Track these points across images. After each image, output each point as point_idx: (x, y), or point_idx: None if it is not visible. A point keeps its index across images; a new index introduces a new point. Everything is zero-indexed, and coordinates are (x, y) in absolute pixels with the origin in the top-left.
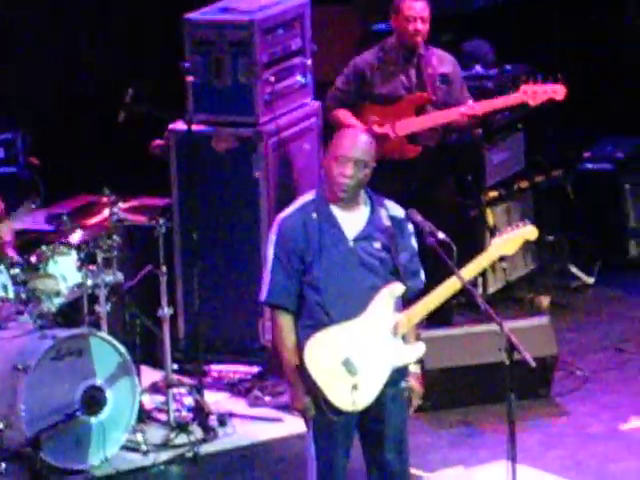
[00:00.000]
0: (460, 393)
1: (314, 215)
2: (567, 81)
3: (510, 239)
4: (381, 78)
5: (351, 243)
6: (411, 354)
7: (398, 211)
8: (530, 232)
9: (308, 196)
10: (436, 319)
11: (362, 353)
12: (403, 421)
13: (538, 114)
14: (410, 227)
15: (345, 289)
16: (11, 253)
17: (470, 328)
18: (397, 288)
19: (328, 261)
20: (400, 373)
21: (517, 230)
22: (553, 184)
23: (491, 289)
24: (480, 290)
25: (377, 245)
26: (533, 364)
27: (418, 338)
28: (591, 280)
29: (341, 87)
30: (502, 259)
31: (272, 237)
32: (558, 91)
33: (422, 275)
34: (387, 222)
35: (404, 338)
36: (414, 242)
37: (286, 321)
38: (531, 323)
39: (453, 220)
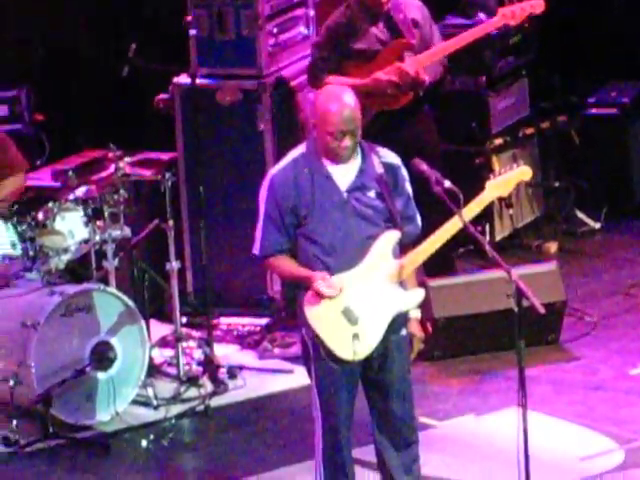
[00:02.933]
0: (469, 341)
1: (306, 169)
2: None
3: (504, 180)
4: (353, 36)
5: (345, 194)
6: (411, 300)
7: (391, 157)
8: (523, 172)
9: (299, 150)
10: (438, 269)
11: (362, 301)
12: (407, 369)
13: (542, 60)
14: (404, 172)
15: (342, 240)
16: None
17: (478, 276)
18: (394, 235)
19: (322, 213)
20: (401, 320)
21: (510, 171)
22: (558, 130)
23: (498, 236)
24: (487, 237)
25: (371, 194)
26: (542, 310)
27: (419, 284)
28: (598, 225)
29: (320, 54)
30: (509, 206)
31: (263, 193)
32: (536, 5)
33: (418, 220)
34: (380, 169)
35: (403, 284)
36: (409, 187)
37: (283, 259)
38: (539, 269)
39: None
